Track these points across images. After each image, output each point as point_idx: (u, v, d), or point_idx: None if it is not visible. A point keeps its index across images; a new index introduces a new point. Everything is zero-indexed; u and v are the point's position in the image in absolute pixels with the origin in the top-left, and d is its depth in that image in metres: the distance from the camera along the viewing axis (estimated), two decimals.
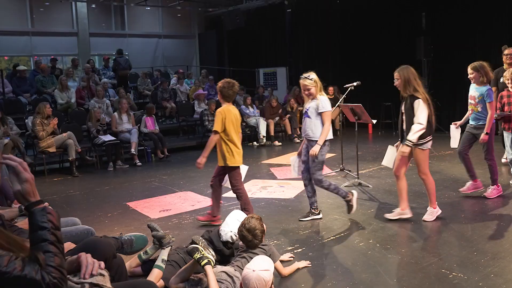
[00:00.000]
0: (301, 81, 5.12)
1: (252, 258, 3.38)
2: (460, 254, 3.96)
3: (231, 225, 3.80)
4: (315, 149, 4.85)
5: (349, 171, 7.28)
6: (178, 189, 7.02)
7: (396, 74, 4.86)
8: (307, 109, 5.05)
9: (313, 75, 5.15)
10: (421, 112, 4.66)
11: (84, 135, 9.78)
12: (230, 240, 3.79)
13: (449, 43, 11.83)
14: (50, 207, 1.72)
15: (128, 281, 2.86)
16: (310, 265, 3.83)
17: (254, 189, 6.76)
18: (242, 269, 3.22)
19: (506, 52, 6.80)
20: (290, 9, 16.13)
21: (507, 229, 4.56)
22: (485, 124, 5.59)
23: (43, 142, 8.34)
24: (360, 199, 5.91)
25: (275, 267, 3.45)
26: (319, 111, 4.94)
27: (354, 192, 5.16)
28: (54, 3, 16.14)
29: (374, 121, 7.17)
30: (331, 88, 13.13)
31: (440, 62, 12.01)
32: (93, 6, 17.11)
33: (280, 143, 11.54)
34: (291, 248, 4.27)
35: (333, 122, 12.71)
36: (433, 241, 4.33)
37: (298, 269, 3.76)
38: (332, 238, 4.54)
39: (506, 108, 5.97)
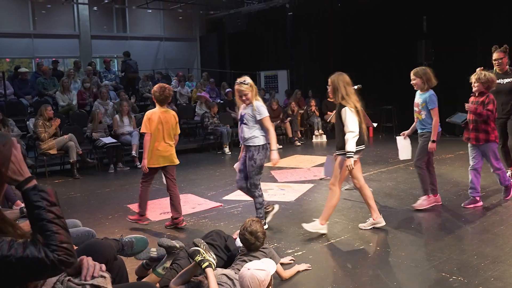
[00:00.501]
0: (236, 86, 4.94)
1: (252, 261, 3.39)
2: (460, 257, 3.96)
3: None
4: (275, 157, 4.81)
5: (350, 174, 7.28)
6: (179, 192, 7.01)
7: (328, 80, 4.80)
8: (243, 115, 4.92)
9: (248, 80, 4.94)
10: (350, 120, 4.55)
11: (85, 137, 9.79)
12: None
13: (450, 46, 11.84)
14: (42, 184, 1.69)
15: (128, 283, 2.87)
16: (310, 268, 3.83)
17: None
18: None
19: (495, 56, 6.45)
20: (292, 12, 16.16)
21: (507, 233, 4.56)
22: (429, 131, 5.40)
23: (44, 144, 8.36)
24: (361, 203, 5.90)
25: (276, 270, 3.44)
26: (258, 119, 4.83)
27: (276, 206, 5.18)
28: (56, 5, 16.18)
29: (375, 125, 7.17)
30: None
31: (441, 65, 11.99)
32: (95, 8, 17.15)
33: (281, 146, 11.55)
34: (291, 251, 4.27)
35: (333, 125, 12.79)
36: (433, 244, 4.33)
37: (298, 272, 3.76)
38: (332, 241, 4.54)
39: (468, 116, 5.71)
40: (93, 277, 2.23)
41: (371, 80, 12.53)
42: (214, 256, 3.28)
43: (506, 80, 6.36)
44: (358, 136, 4.57)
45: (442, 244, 4.32)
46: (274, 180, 7.64)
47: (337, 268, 3.86)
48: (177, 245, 3.57)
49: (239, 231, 3.63)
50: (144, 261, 3.63)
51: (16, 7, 15.77)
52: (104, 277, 2.30)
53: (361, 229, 4.85)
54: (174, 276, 3.39)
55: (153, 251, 3.62)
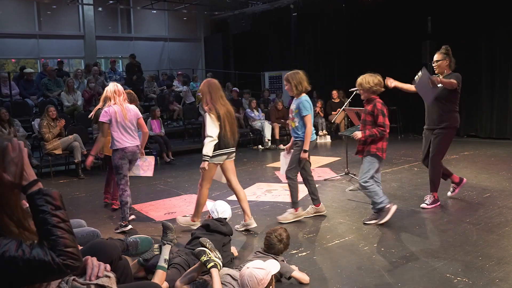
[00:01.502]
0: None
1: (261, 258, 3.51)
2: (465, 258, 3.95)
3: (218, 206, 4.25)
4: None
5: (354, 175, 7.28)
6: (183, 192, 7.04)
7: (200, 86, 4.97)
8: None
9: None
10: (208, 125, 4.68)
11: (90, 137, 9.81)
12: (221, 216, 4.15)
13: (455, 47, 11.71)
14: (46, 188, 1.68)
15: (133, 283, 2.88)
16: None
17: (259, 192, 6.76)
18: None
19: (434, 58, 5.87)
20: (296, 12, 16.15)
21: None
22: (302, 140, 5.11)
23: (49, 144, 8.39)
24: (365, 203, 5.91)
25: (295, 277, 3.55)
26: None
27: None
28: (61, 6, 16.24)
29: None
30: (334, 92, 13.14)
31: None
32: (100, 9, 17.19)
33: (285, 146, 11.55)
34: (295, 251, 4.28)
35: (338, 126, 12.80)
36: (438, 245, 4.32)
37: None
38: (336, 242, 4.54)
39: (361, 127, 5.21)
40: (97, 277, 2.25)
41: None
42: (220, 256, 3.31)
43: (440, 84, 5.45)
44: (216, 141, 4.72)
45: (447, 245, 4.31)
46: (278, 180, 7.64)
47: (341, 268, 3.85)
48: (173, 232, 3.67)
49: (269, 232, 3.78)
50: (141, 258, 3.61)
51: (22, 8, 15.83)
52: (109, 277, 2.31)
53: (237, 230, 4.98)
54: (176, 274, 3.42)
55: (156, 249, 3.63)
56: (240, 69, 18.12)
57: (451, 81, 5.40)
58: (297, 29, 16.38)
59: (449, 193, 6.05)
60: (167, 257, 3.48)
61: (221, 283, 3.14)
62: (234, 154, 5.02)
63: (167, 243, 3.56)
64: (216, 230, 3.91)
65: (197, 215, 5.05)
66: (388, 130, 5.02)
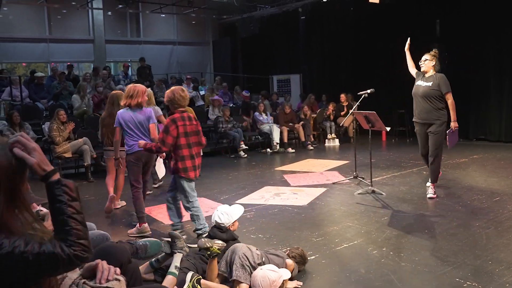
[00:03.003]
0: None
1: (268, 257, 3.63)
2: (474, 263, 3.93)
3: (214, 213, 4.13)
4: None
5: (363, 178, 7.27)
6: None
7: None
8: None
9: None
10: None
11: (99, 141, 9.86)
12: (220, 221, 4.05)
13: (463, 50, 11.77)
14: (64, 178, 1.71)
15: (143, 286, 2.89)
16: (300, 285, 3.70)
17: (268, 195, 6.77)
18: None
19: (423, 57, 6.46)
20: (304, 16, 16.18)
21: None
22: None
23: (59, 148, 8.45)
24: (374, 207, 5.91)
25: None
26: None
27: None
28: (71, 10, 16.39)
29: (388, 129, 7.14)
30: (342, 96, 13.13)
31: (454, 69, 11.93)
32: (109, 13, 17.33)
33: (293, 150, 11.56)
34: None
35: (346, 129, 12.79)
36: (447, 249, 4.30)
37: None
38: (345, 245, 4.53)
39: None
40: (107, 280, 2.26)
41: (384, 84, 12.49)
42: (219, 241, 3.55)
43: (425, 84, 6.28)
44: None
45: (456, 249, 4.29)
46: (287, 184, 7.64)
47: (350, 272, 3.85)
48: (182, 240, 3.71)
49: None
50: (154, 259, 3.65)
51: (33, 13, 16.00)
52: (119, 280, 2.33)
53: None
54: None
55: (165, 247, 3.65)
56: (249, 72, 18.15)
57: (454, 109, 6.19)
58: (305, 33, 16.40)
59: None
60: (178, 265, 3.50)
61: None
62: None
63: (178, 252, 3.58)
64: (216, 238, 3.88)
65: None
66: (165, 149, 4.64)
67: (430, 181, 6.52)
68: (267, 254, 3.69)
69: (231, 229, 4.05)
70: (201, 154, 5.20)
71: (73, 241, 1.61)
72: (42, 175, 1.69)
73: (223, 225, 4.01)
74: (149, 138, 5.16)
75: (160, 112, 6.90)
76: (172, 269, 3.45)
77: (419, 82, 6.37)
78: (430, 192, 6.28)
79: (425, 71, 6.39)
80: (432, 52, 6.43)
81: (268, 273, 3.12)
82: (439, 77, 6.23)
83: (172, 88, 4.80)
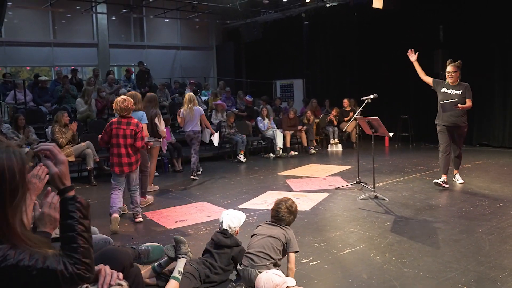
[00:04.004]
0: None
1: (268, 227, 3.73)
2: (477, 269, 3.92)
3: (225, 218, 4.02)
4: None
5: (365, 183, 7.26)
6: (195, 200, 7.07)
7: None
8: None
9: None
10: None
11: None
12: (233, 225, 3.98)
13: (466, 55, 11.71)
14: (79, 196, 1.73)
15: None
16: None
17: (270, 200, 6.76)
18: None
19: (448, 69, 7.18)
20: (308, 21, 16.21)
21: None
22: None
23: (62, 151, 8.44)
24: (376, 212, 5.90)
25: (290, 257, 3.63)
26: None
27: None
28: (75, 15, 16.45)
29: (391, 134, 7.14)
30: (345, 101, 13.14)
31: None
32: (113, 18, 17.40)
33: (296, 153, 11.57)
34: (306, 260, 4.27)
35: (349, 134, 12.78)
36: (450, 255, 4.29)
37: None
38: (347, 251, 4.52)
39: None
40: (110, 285, 2.27)
41: (387, 90, 12.49)
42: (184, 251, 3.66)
43: (454, 92, 7.09)
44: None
45: (459, 255, 4.28)
46: (289, 189, 7.64)
47: (352, 278, 3.84)
48: (186, 245, 3.76)
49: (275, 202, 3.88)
50: (156, 264, 3.65)
51: (37, 17, 16.08)
52: (121, 285, 2.33)
53: None
54: (186, 283, 3.47)
55: (169, 250, 3.66)
56: (252, 77, 18.18)
57: (469, 105, 6.99)
58: (308, 38, 16.43)
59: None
60: (181, 269, 3.50)
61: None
62: None
63: (182, 257, 3.58)
64: (220, 244, 3.86)
65: None
66: (101, 144, 6.14)
67: (455, 169, 7.58)
68: None
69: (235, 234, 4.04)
70: (137, 153, 5.89)
71: (78, 259, 1.61)
72: (60, 189, 1.71)
73: (231, 230, 3.93)
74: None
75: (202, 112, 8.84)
76: (175, 273, 3.45)
77: (447, 91, 7.16)
78: (459, 178, 7.50)
79: (453, 82, 7.18)
80: (457, 63, 7.16)
81: (273, 276, 3.14)
82: (465, 86, 7.11)
83: (116, 99, 5.86)
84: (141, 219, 5.90)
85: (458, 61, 7.20)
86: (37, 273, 1.53)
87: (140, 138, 5.76)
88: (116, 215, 5.51)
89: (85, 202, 1.72)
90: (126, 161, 5.72)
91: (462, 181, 7.46)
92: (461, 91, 7.06)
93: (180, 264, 3.52)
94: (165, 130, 7.73)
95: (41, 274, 1.53)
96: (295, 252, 3.68)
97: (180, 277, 3.45)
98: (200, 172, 9.08)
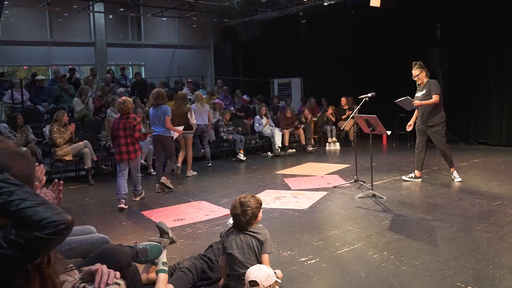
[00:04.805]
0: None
1: (240, 240, 3.38)
2: (475, 267, 3.92)
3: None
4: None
5: (363, 182, 7.26)
6: (192, 199, 7.06)
7: None
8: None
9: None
10: None
11: (100, 144, 9.87)
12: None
13: (464, 53, 11.77)
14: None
15: None
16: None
17: (268, 199, 6.76)
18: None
19: (413, 72, 7.37)
20: (305, 20, 16.20)
21: None
22: None
23: (60, 150, 8.46)
24: (374, 211, 5.90)
25: (262, 259, 3.38)
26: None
27: None
28: (72, 14, 16.42)
29: (389, 132, 7.14)
30: (343, 99, 13.15)
31: (455, 73, 11.95)
32: (111, 16, 17.36)
33: (294, 150, 11.57)
34: (304, 259, 4.27)
35: (347, 133, 12.78)
36: (448, 253, 4.29)
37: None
38: (345, 249, 4.52)
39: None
40: (107, 284, 2.26)
41: (385, 88, 12.49)
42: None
43: (420, 93, 7.33)
44: None
45: (457, 253, 4.28)
46: (287, 187, 7.64)
47: (350, 276, 3.84)
48: (170, 234, 3.89)
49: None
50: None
51: (34, 16, 16.03)
52: (119, 284, 2.32)
53: None
54: (182, 277, 3.48)
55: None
56: (249, 76, 18.17)
57: (428, 102, 7.12)
58: (306, 36, 16.42)
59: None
60: (165, 260, 3.52)
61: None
62: None
63: (164, 248, 3.65)
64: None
65: None
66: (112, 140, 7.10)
67: (450, 167, 7.59)
68: None
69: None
70: (136, 143, 6.77)
71: (41, 225, 1.44)
72: None
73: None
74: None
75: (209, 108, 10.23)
76: (160, 266, 3.47)
77: (416, 93, 7.39)
78: (456, 176, 7.45)
79: (421, 83, 7.41)
80: (418, 64, 7.35)
81: (264, 267, 3.16)
82: (430, 83, 7.27)
83: (117, 100, 6.95)
84: (137, 198, 7.04)
85: (419, 62, 7.35)
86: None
87: (138, 130, 6.72)
88: (121, 205, 6.56)
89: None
90: (125, 150, 6.65)
91: (459, 179, 7.42)
92: (425, 90, 7.22)
93: (163, 256, 3.54)
94: (194, 122, 9.18)
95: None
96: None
97: (166, 268, 3.47)
98: (210, 164, 10.15)
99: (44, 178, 2.40)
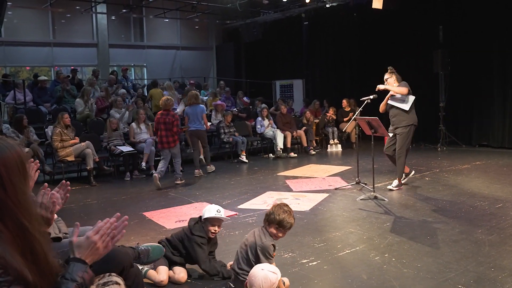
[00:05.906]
0: None
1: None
2: (477, 270, 3.92)
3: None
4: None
5: (365, 184, 7.26)
6: (194, 200, 7.07)
7: None
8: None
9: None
10: None
11: (103, 148, 9.86)
12: None
13: (466, 55, 11.76)
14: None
15: None
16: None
17: (270, 201, 6.76)
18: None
19: (385, 77, 7.39)
20: (307, 21, 16.21)
21: None
22: None
23: (62, 151, 8.48)
24: (376, 213, 5.90)
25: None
26: None
27: None
28: (75, 14, 16.45)
29: (391, 135, 7.14)
30: (344, 101, 13.15)
31: (457, 75, 11.93)
32: (113, 18, 17.40)
33: (295, 155, 11.57)
34: (306, 261, 4.27)
35: (349, 135, 12.78)
36: (449, 256, 4.29)
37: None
38: (347, 251, 4.52)
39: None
40: (105, 284, 2.25)
41: (386, 90, 12.46)
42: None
43: (393, 97, 7.34)
44: None
45: (459, 256, 4.28)
46: (289, 189, 7.64)
47: (352, 278, 3.84)
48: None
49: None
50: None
51: (37, 17, 16.07)
52: (119, 283, 2.32)
53: None
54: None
55: None
56: (252, 77, 18.18)
57: (398, 89, 7.11)
58: (308, 38, 16.43)
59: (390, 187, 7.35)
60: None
61: None
62: None
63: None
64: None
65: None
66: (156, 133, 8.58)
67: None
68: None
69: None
70: (174, 135, 8.19)
71: None
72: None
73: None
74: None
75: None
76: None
77: (390, 100, 7.39)
78: (395, 184, 7.27)
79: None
80: (389, 70, 7.40)
81: (270, 274, 3.15)
82: (400, 84, 7.22)
83: (162, 98, 8.67)
84: (179, 182, 8.36)
85: (389, 67, 7.42)
86: None
87: (176, 125, 8.15)
88: (156, 175, 7.90)
89: (92, 275, 1.70)
90: (165, 140, 8.15)
91: (394, 188, 7.20)
92: (397, 94, 7.21)
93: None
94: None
95: None
96: None
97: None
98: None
99: (36, 174, 2.41)
